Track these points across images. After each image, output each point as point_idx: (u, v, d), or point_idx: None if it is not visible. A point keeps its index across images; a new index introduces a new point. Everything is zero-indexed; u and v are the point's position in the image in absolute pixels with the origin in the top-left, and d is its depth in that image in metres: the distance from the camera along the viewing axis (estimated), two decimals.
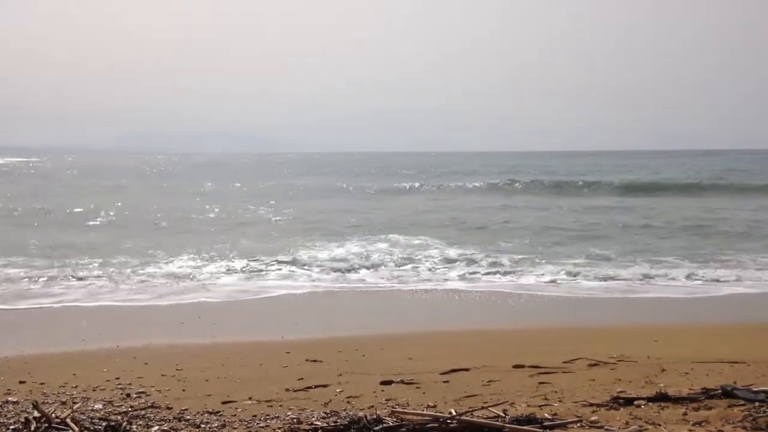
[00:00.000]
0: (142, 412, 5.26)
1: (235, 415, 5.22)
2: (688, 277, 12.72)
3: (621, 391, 5.57)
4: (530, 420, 4.74)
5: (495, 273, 13.20)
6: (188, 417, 5.16)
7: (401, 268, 13.79)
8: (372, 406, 5.37)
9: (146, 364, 6.93)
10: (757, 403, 5.00)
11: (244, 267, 13.77)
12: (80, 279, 12.39)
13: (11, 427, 4.79)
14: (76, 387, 6.06)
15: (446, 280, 12.69)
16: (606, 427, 4.62)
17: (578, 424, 4.70)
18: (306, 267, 13.75)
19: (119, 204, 29.77)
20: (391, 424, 4.64)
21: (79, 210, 27.56)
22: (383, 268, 13.77)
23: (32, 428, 4.55)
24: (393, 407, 5.29)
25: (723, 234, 19.17)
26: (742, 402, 5.06)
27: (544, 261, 14.36)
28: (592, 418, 4.81)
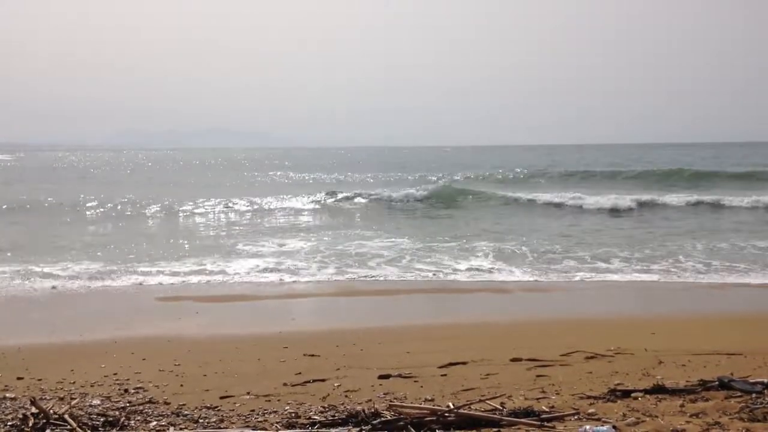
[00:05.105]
0: (140, 408, 5.28)
1: (234, 410, 5.24)
2: None
3: (618, 384, 5.59)
4: (528, 413, 4.75)
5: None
6: (186, 412, 5.17)
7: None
8: (370, 400, 5.38)
9: (144, 359, 6.93)
10: (753, 395, 5.03)
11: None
12: None
13: (9, 423, 4.79)
14: (73, 383, 6.07)
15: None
16: (603, 419, 4.63)
17: (576, 417, 4.72)
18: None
19: None
20: (389, 417, 4.65)
21: None
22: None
23: (30, 424, 4.56)
24: (391, 401, 5.31)
25: None
26: (739, 393, 5.09)
27: None
28: (590, 411, 4.83)
